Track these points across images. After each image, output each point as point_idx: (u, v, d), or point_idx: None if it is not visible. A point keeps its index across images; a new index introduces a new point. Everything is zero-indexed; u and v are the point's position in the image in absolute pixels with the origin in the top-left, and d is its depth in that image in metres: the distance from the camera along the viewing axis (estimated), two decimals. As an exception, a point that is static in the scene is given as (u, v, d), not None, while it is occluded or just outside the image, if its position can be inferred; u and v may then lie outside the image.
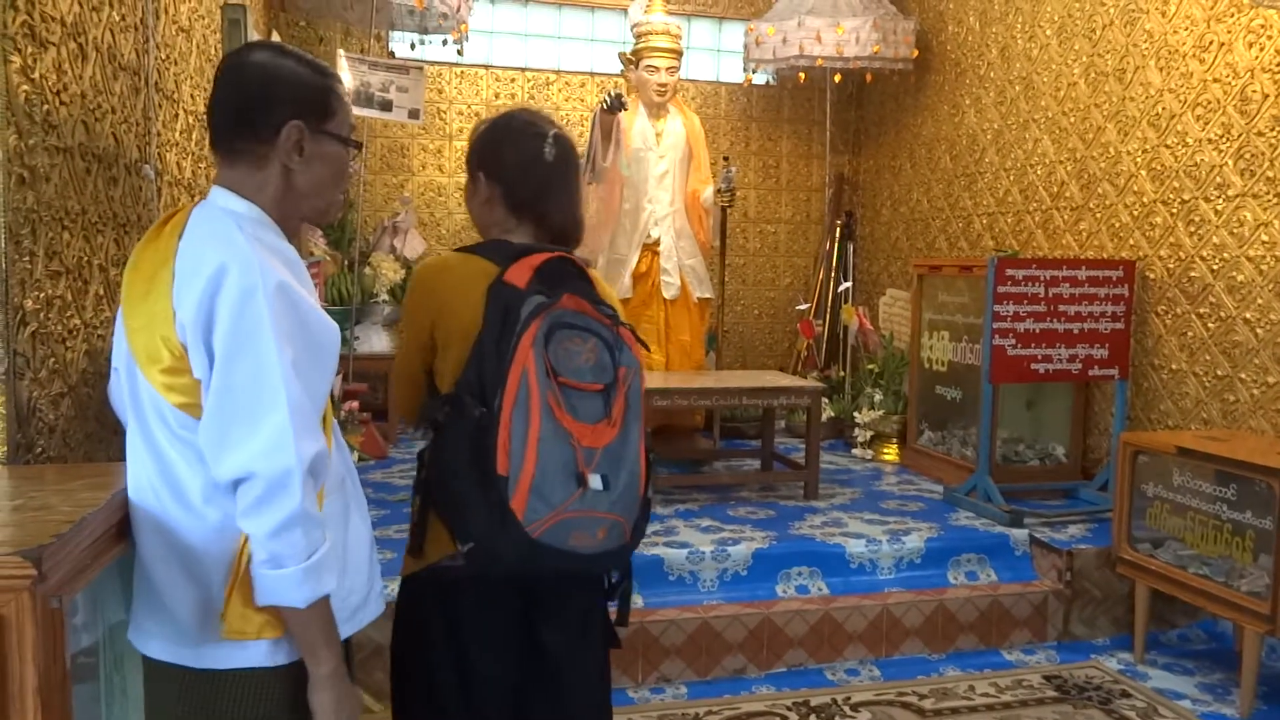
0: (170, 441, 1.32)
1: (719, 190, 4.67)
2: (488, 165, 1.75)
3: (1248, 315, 3.51)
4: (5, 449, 1.67)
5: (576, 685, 1.75)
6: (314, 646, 1.33)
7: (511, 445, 1.49)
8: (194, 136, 2.89)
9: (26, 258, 1.74)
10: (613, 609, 1.82)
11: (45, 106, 1.80)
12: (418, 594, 1.67)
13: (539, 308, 1.55)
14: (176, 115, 2.72)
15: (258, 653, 1.33)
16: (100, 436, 2.06)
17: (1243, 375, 3.53)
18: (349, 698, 1.38)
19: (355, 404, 4.58)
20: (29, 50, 1.73)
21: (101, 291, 2.11)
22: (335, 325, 1.44)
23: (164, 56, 2.59)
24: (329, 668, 1.34)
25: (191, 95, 2.87)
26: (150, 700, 1.40)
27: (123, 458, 1.40)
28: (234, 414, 1.26)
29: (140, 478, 1.35)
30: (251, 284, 1.26)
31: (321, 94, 1.43)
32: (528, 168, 1.73)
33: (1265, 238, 3.43)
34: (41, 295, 1.81)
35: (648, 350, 1.83)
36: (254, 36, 3.27)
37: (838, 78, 5.63)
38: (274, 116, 1.37)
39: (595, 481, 1.54)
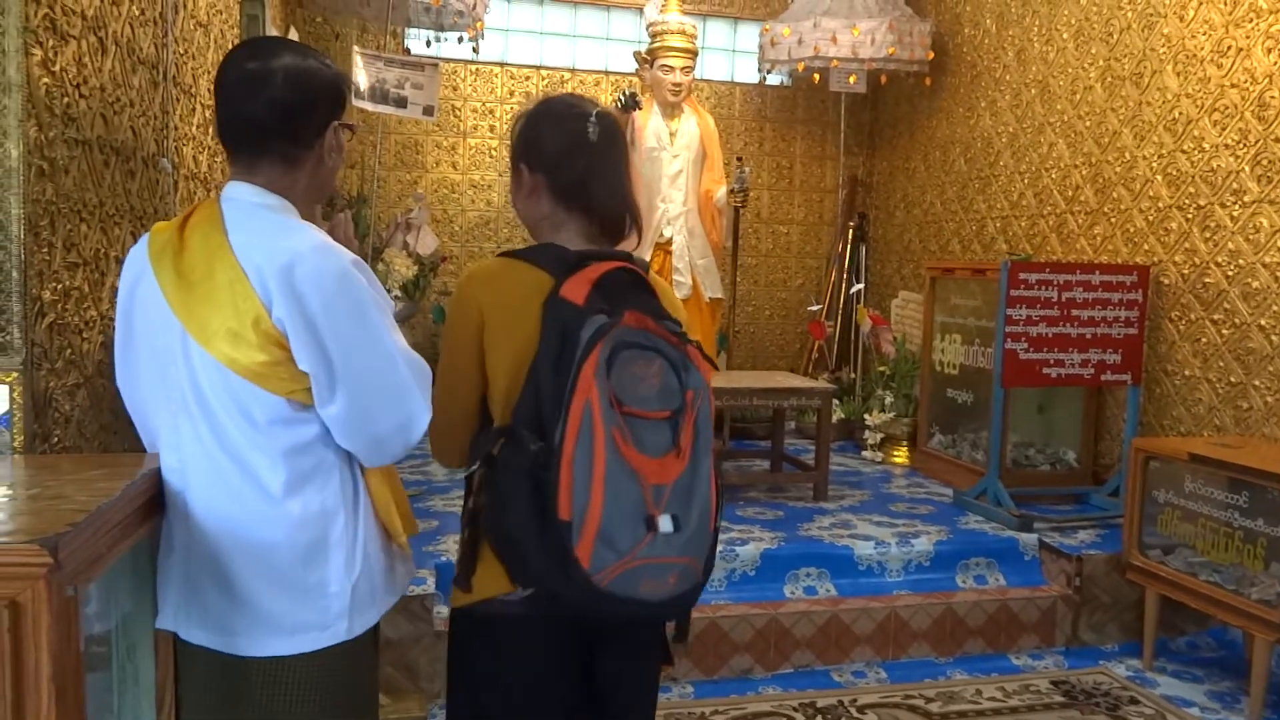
0: (250, 439, 1.38)
1: (732, 190, 4.67)
2: (529, 155, 1.61)
3: (1262, 322, 3.49)
4: (22, 438, 1.69)
5: (630, 704, 1.66)
6: None
7: (575, 486, 1.34)
8: (210, 131, 2.90)
9: (45, 249, 1.75)
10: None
11: (65, 99, 1.81)
12: (468, 625, 1.56)
13: (600, 330, 1.39)
14: (194, 110, 2.73)
15: (338, 631, 1.45)
16: (115, 428, 2.07)
17: (1256, 382, 3.51)
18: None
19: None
20: (50, 43, 1.74)
21: (117, 284, 2.12)
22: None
23: (182, 51, 2.61)
24: None
25: (209, 90, 2.89)
26: (223, 696, 1.45)
27: (135, 449, 1.44)
28: (369, 391, 1.40)
29: (212, 483, 1.40)
30: (338, 267, 1.38)
31: (343, 91, 1.51)
32: (571, 151, 1.58)
33: (1281, 244, 3.41)
34: (59, 286, 1.82)
35: (715, 367, 1.67)
36: (272, 32, 3.29)
37: (852, 79, 5.62)
38: (318, 121, 1.46)
39: (665, 524, 1.39)
